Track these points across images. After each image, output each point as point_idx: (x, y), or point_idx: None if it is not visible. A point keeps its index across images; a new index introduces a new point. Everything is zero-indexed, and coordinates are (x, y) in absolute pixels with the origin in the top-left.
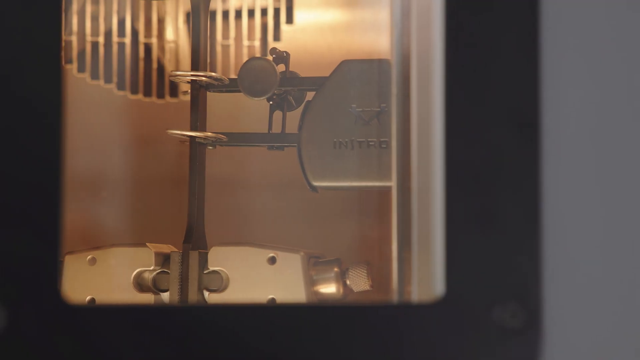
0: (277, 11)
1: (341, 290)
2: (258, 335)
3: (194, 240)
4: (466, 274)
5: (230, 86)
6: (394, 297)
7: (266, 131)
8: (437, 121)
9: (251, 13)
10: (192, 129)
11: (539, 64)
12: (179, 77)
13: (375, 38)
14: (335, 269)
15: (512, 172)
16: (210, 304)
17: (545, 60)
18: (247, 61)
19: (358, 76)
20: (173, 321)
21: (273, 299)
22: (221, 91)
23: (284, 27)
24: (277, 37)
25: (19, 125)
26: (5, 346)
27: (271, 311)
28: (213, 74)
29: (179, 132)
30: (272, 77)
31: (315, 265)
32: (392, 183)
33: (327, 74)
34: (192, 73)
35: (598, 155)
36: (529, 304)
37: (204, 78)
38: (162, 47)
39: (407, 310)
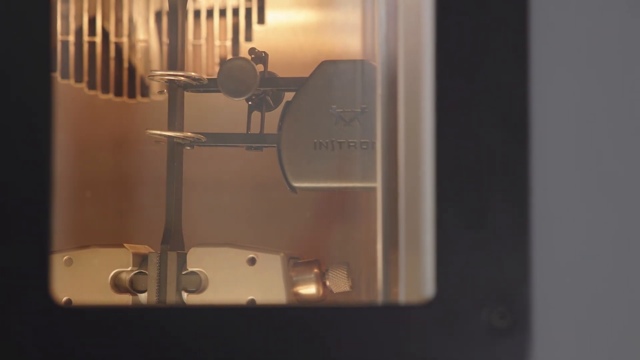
0: (248, 11)
1: (321, 291)
2: (249, 337)
3: (172, 241)
4: (456, 276)
5: (209, 86)
6: (379, 298)
7: (239, 131)
8: (427, 122)
9: (222, 13)
10: (169, 129)
11: (529, 65)
12: (157, 76)
13: (347, 38)
14: (315, 270)
15: (501, 174)
16: (206, 305)
17: (535, 62)
18: (227, 61)
19: (338, 77)
20: (165, 322)
21: (253, 300)
22: (199, 91)
23: (255, 27)
24: (248, 37)
25: (8, 125)
26: None
27: (260, 312)
28: (192, 73)
29: (158, 132)
30: (253, 78)
31: (294, 266)
32: (377, 184)
33: (298, 75)
34: (171, 73)
35: (587, 157)
36: (517, 306)
37: (182, 78)
38: (133, 47)
39: (397, 311)
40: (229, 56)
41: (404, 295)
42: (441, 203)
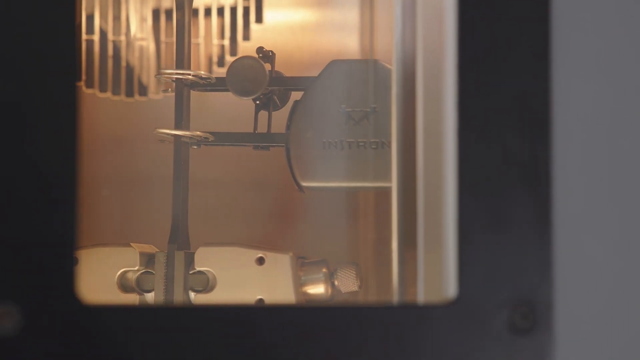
0: (246, 10)
1: (329, 290)
2: (277, 337)
3: (179, 240)
4: (478, 276)
5: (217, 85)
6: (393, 298)
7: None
8: (447, 122)
9: (220, 12)
10: (176, 128)
11: (551, 64)
12: (165, 75)
13: (344, 38)
14: (324, 270)
15: (523, 174)
16: (237, 305)
17: (557, 60)
18: (235, 60)
19: (348, 76)
20: (188, 321)
21: (261, 300)
22: (206, 90)
23: (253, 26)
24: (246, 37)
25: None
26: (21, 345)
27: (278, 312)
28: (201, 72)
29: (167, 131)
30: (262, 77)
31: (302, 266)
32: (392, 183)
33: (296, 74)
34: (179, 72)
35: (610, 155)
36: (539, 306)
37: (190, 77)
38: (130, 45)
39: (420, 311)
40: (227, 56)
41: (422, 296)
42: (463, 203)
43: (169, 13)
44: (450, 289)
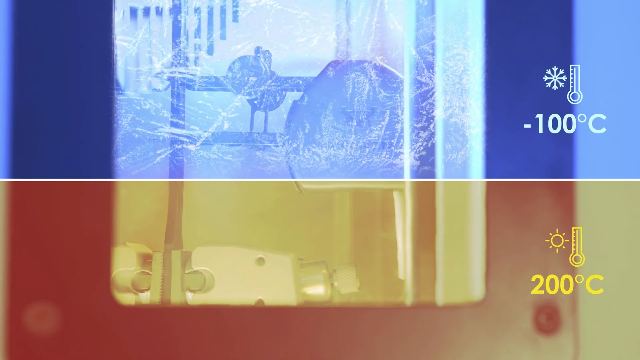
0: (223, 9)
1: (329, 292)
2: (315, 336)
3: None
4: (504, 277)
5: (215, 84)
6: (407, 299)
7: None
8: (472, 121)
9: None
10: (172, 127)
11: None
12: (161, 74)
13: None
14: (324, 271)
15: (549, 175)
16: (290, 305)
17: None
18: (235, 60)
19: (347, 76)
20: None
21: (261, 300)
22: (202, 89)
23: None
24: (222, 36)
25: (72, 126)
26: (59, 346)
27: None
28: (197, 70)
29: (165, 130)
30: (260, 76)
31: (301, 267)
32: (405, 183)
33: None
34: (175, 70)
35: (632, 160)
36: (564, 307)
37: (188, 75)
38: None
39: (446, 312)
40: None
41: (442, 297)
42: (491, 205)
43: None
44: (477, 290)
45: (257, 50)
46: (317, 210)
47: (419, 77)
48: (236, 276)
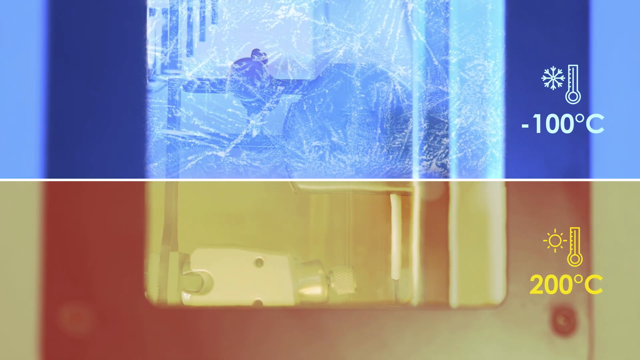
0: (202, 10)
1: (326, 292)
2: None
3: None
4: (522, 279)
5: (213, 87)
6: (414, 300)
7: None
8: (486, 125)
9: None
10: (169, 129)
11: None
12: (159, 76)
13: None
14: (320, 271)
15: (564, 178)
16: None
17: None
18: (234, 62)
19: (346, 79)
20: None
21: (259, 301)
22: (199, 91)
23: (210, 27)
24: (202, 38)
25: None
26: (93, 346)
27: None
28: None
29: (163, 131)
30: (260, 78)
31: (298, 268)
32: (413, 185)
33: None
34: (173, 72)
35: None
36: (580, 310)
37: (189, 77)
38: None
39: (465, 314)
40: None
41: (456, 299)
42: (510, 208)
43: None
44: (497, 292)
45: (290, 61)
46: (315, 210)
47: (441, 87)
48: (235, 277)
